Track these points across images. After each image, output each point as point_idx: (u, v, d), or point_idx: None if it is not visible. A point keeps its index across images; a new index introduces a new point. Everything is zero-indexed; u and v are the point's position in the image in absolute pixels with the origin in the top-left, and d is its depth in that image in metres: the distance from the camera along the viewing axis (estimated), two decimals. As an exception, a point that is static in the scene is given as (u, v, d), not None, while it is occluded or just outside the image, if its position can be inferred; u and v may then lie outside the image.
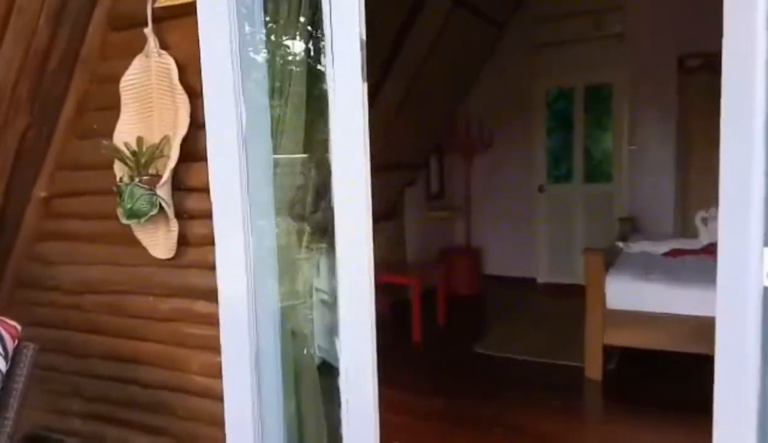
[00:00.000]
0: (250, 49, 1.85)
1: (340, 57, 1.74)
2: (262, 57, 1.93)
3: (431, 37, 4.65)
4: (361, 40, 1.77)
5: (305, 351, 2.55)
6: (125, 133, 2.20)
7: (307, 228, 2.47)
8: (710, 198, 5.62)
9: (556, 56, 5.97)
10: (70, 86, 2.41)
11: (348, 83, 1.78)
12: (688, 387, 3.66)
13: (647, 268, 4.02)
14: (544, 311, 5.46)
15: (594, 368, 3.85)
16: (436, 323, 4.98)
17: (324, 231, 2.86)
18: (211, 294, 2.12)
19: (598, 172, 6.12)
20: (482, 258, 6.35)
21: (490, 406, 3.50)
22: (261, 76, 1.92)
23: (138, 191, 2.11)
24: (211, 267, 2.09)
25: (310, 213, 2.61)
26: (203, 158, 2.01)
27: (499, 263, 6.41)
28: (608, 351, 3.85)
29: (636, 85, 5.76)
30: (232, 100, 1.80)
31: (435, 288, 5.01)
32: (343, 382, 1.96)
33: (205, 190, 2.03)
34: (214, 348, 2.13)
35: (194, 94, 2.03)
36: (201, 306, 2.20)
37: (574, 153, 6.10)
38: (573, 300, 5.71)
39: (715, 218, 4.76)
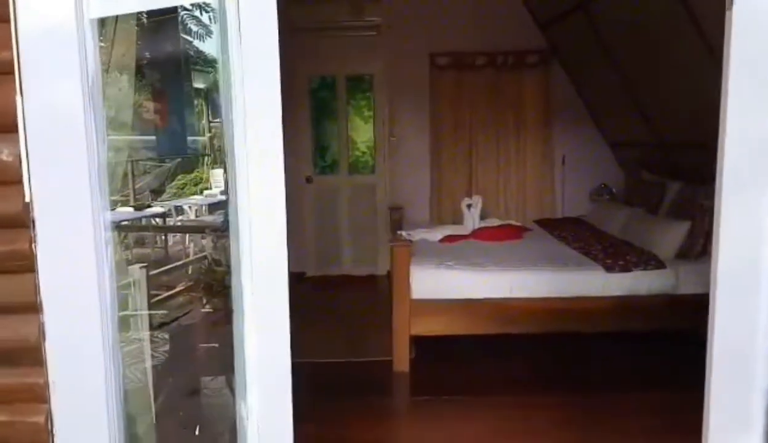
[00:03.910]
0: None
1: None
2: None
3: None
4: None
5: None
6: None
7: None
8: (460, 187, 6.11)
9: (317, 42, 5.77)
10: None
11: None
12: (487, 366, 3.88)
13: (439, 256, 4.12)
14: (325, 306, 5.26)
15: (402, 360, 3.79)
16: (216, 336, 4.31)
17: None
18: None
19: (362, 163, 6.16)
20: (248, 256, 5.80)
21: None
22: None
23: None
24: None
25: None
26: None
27: (267, 260, 5.93)
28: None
29: (393, 78, 5.94)
30: (73, 23, 1.04)
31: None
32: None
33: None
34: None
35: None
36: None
37: (339, 144, 6.01)
38: (346, 293, 5.69)
39: (477, 205, 5.22)
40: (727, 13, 1.24)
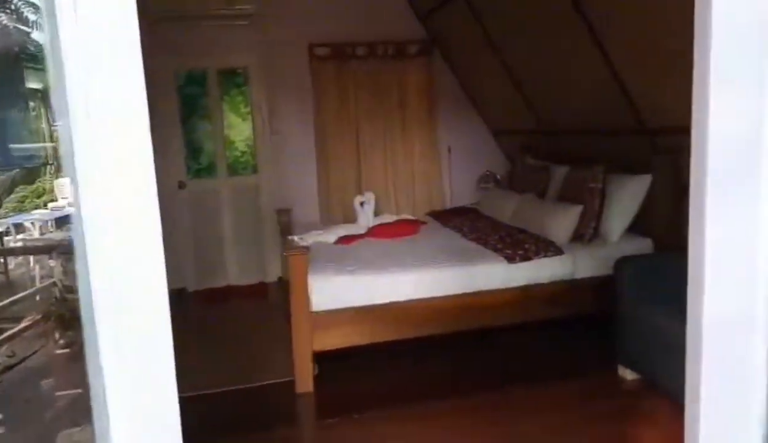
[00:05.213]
0: None
1: None
2: None
3: None
4: None
5: None
6: None
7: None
8: (349, 183, 5.82)
9: (182, 33, 5.18)
10: None
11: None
12: (398, 375, 3.64)
13: (338, 261, 3.81)
14: (211, 325, 4.75)
15: (305, 380, 3.44)
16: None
17: None
18: None
19: (242, 163, 5.66)
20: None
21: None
22: None
23: None
24: None
25: None
26: None
27: (139, 279, 5.25)
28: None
29: (270, 71, 5.51)
30: None
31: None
32: None
33: None
34: None
35: None
36: None
37: (215, 144, 5.46)
38: (235, 306, 5.19)
39: (370, 201, 4.96)
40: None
